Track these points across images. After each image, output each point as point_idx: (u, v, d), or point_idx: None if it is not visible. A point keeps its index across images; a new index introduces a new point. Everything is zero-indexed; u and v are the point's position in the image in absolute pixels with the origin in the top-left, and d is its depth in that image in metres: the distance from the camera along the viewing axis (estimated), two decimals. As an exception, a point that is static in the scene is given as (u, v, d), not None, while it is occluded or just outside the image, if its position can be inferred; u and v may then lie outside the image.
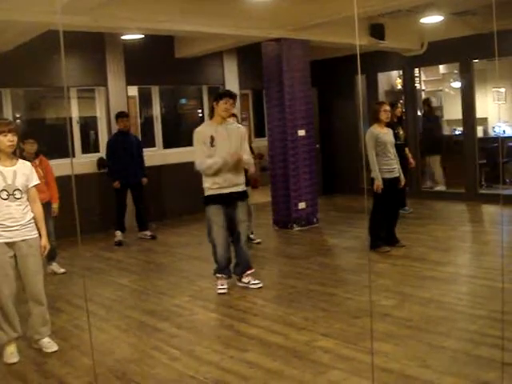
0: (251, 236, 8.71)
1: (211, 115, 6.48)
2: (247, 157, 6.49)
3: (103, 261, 8.57)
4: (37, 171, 7.26)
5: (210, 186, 6.35)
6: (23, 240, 4.85)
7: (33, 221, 4.95)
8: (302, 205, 10.04)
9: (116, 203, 9.70)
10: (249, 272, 6.75)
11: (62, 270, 7.90)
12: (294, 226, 9.96)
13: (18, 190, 4.80)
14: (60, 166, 9.54)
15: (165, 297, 6.59)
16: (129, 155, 9.62)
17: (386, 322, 5.25)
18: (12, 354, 4.94)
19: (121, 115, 9.80)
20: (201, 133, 6.38)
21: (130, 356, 4.92)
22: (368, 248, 8.10)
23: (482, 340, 4.73)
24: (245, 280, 6.70)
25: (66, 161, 10.04)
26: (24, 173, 4.90)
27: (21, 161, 4.98)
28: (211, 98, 6.69)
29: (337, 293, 6.30)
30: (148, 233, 9.94)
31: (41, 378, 4.61)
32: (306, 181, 10.10)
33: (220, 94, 6.47)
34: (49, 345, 5.14)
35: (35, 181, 5.01)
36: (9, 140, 4.77)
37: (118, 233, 9.64)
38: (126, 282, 7.43)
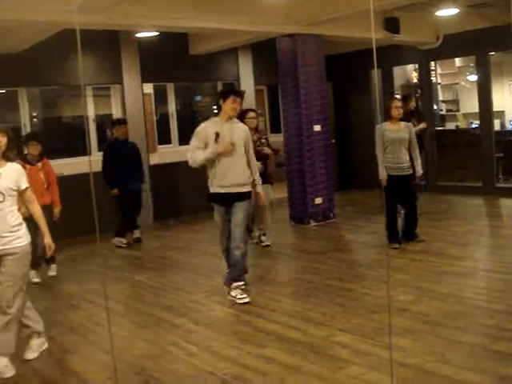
0: (262, 238, 8.59)
1: (218, 106, 6.30)
2: (255, 163, 6.34)
3: (120, 258, 8.61)
4: (38, 175, 7.27)
5: (211, 184, 6.17)
6: (6, 254, 4.51)
7: (19, 228, 4.60)
8: (318, 200, 10.02)
9: (121, 210, 9.30)
10: (236, 284, 6.11)
11: (53, 274, 7.72)
12: (311, 221, 9.94)
13: (0, 193, 4.49)
14: (77, 164, 9.64)
15: (182, 293, 6.61)
16: (127, 163, 9.29)
17: (404, 316, 5.23)
18: (6, 368, 4.58)
19: (119, 122, 9.53)
20: (203, 129, 6.16)
21: (148, 352, 4.94)
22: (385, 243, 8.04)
23: (500, 335, 4.70)
24: (232, 293, 6.10)
25: (82, 159, 10.12)
26: (11, 175, 4.56)
27: (10, 163, 4.63)
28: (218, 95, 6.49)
29: (354, 288, 6.29)
30: (124, 240, 9.39)
31: (59, 374, 4.65)
32: (322, 176, 10.07)
33: (227, 91, 6.34)
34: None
35: (24, 184, 4.65)
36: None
37: (122, 240, 9.35)
38: (143, 278, 7.46)
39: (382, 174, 7.67)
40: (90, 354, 5.00)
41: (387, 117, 7.81)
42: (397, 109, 7.74)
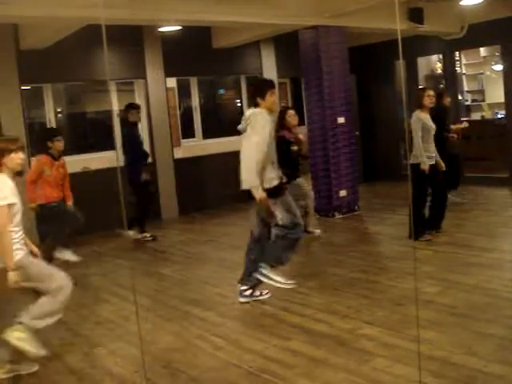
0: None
1: (254, 104, 5.80)
2: None
3: (146, 251, 8.66)
4: (59, 170, 7.44)
5: (270, 177, 5.73)
6: None
7: None
8: (342, 192, 9.99)
9: (142, 200, 9.09)
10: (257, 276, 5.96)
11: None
12: (336, 213, 9.92)
13: None
14: (102, 159, 9.71)
15: (207, 286, 6.64)
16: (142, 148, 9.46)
17: (430, 309, 5.20)
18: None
19: (135, 107, 9.33)
20: (269, 120, 5.70)
21: (175, 345, 4.98)
22: (410, 237, 7.92)
23: (529, 326, 4.67)
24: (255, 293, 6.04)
25: (107, 154, 10.20)
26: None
27: None
28: (250, 88, 6.27)
29: (380, 280, 6.27)
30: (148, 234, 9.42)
31: (88, 367, 4.70)
32: (347, 168, 10.04)
33: (264, 85, 5.89)
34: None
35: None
36: (19, 158, 4.63)
37: (146, 234, 9.33)
38: (168, 271, 7.50)
39: (427, 164, 7.55)
40: (117, 348, 5.05)
41: (419, 106, 7.70)
42: (429, 97, 7.70)
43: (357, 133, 12.00)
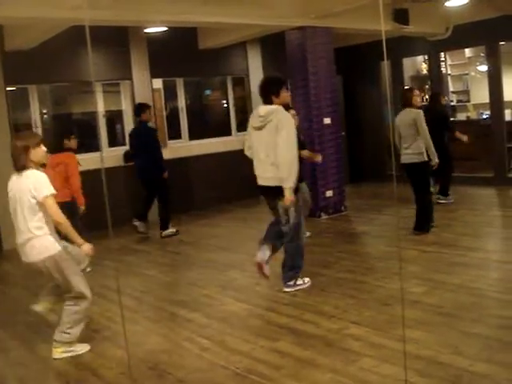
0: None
1: (268, 102, 5.88)
2: None
3: (132, 253, 8.64)
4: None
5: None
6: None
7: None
8: (329, 193, 10.01)
9: (167, 197, 9.66)
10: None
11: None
12: (322, 214, 9.94)
13: None
14: (87, 160, 9.64)
15: (194, 287, 6.63)
16: None
17: (417, 308, 5.22)
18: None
19: (148, 106, 9.69)
20: (290, 116, 5.91)
21: (162, 347, 4.97)
22: (417, 229, 7.97)
23: (514, 325, 4.69)
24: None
25: (93, 155, 10.16)
26: None
27: None
28: (264, 86, 6.00)
29: (366, 280, 6.28)
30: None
31: (75, 369, 4.68)
32: (333, 169, 10.06)
33: (277, 83, 5.98)
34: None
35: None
36: (42, 150, 4.78)
37: (141, 223, 9.61)
38: (155, 273, 7.49)
39: (436, 156, 7.73)
40: (103, 350, 5.03)
41: (408, 105, 7.85)
42: (419, 97, 7.99)
43: (343, 133, 12.04)
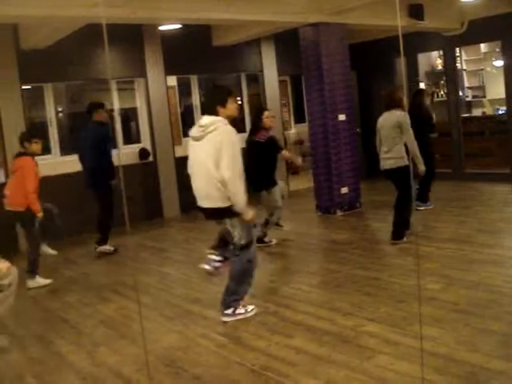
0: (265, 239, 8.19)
1: (212, 112, 5.29)
2: None
3: (147, 250, 8.66)
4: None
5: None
6: None
7: None
8: (344, 189, 9.99)
9: (109, 208, 8.49)
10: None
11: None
12: (337, 211, 9.92)
13: None
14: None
15: (209, 285, 6.63)
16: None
17: (433, 305, 5.20)
18: None
19: (100, 105, 8.78)
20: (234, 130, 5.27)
21: (178, 344, 4.98)
22: (395, 239, 7.63)
23: (531, 322, 4.67)
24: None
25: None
26: None
27: None
28: (209, 96, 5.59)
29: (382, 277, 6.26)
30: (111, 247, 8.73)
31: (91, 366, 4.70)
32: (348, 165, 10.04)
33: (225, 94, 5.43)
34: None
35: None
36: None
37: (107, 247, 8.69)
38: (170, 270, 7.51)
39: (422, 162, 7.37)
40: (120, 347, 5.05)
41: (398, 107, 7.43)
42: (404, 98, 7.62)
43: (358, 130, 11.99)
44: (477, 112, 13.71)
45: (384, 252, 7.59)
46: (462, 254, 6.81)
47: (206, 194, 5.23)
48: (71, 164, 9.45)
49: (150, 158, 10.97)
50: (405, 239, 7.52)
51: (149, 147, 10.99)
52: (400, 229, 7.58)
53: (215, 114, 5.25)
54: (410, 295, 5.48)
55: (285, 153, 8.15)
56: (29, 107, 10.09)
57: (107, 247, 8.58)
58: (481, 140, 12.42)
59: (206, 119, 5.24)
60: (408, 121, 7.32)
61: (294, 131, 15.87)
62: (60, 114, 10.94)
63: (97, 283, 7.26)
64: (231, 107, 5.35)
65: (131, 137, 11.40)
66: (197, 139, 5.26)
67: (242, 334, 5.04)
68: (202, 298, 6.19)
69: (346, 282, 6.24)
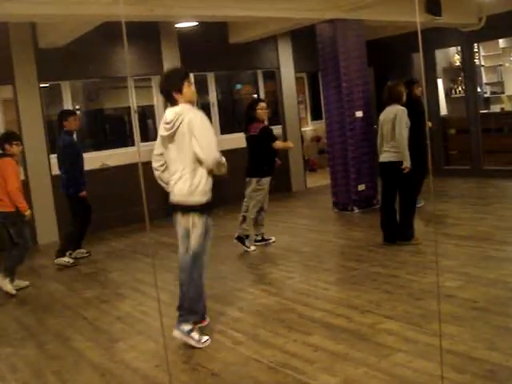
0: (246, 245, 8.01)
1: (171, 102, 4.85)
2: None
3: (164, 247, 8.68)
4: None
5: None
6: None
7: None
8: (361, 187, 9.96)
9: (80, 217, 8.25)
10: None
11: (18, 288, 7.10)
12: (354, 208, 9.89)
13: None
14: (120, 156, 9.77)
15: (227, 281, 6.65)
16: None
17: (451, 303, 5.17)
18: None
19: (71, 113, 8.45)
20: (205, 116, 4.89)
21: (195, 340, 4.98)
22: (387, 240, 7.54)
23: (551, 320, 4.63)
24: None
25: (125, 150, 10.25)
26: None
27: None
28: (163, 83, 4.94)
29: (399, 274, 6.24)
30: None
31: (109, 362, 4.73)
32: (365, 162, 10.01)
33: (177, 77, 4.89)
34: None
35: None
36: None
37: (82, 250, 8.53)
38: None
39: (408, 159, 7.08)
40: (138, 343, 5.07)
41: (398, 101, 7.27)
42: (405, 93, 7.38)
43: (375, 126, 11.93)
44: (495, 108, 13.60)
45: (401, 249, 7.54)
46: (481, 251, 6.77)
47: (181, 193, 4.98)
48: (88, 161, 9.50)
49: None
50: (415, 240, 7.37)
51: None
52: (406, 227, 7.44)
53: (174, 102, 4.79)
54: (428, 293, 5.46)
55: (276, 144, 7.98)
56: (47, 105, 10.16)
57: (65, 259, 8.08)
58: (499, 136, 12.32)
59: (170, 113, 4.74)
60: (403, 115, 7.12)
61: (310, 128, 15.86)
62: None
63: (114, 280, 7.29)
64: (188, 91, 4.81)
65: (148, 134, 11.44)
66: (167, 137, 4.81)
67: (260, 331, 5.04)
68: (220, 294, 6.19)
69: (364, 279, 6.22)
